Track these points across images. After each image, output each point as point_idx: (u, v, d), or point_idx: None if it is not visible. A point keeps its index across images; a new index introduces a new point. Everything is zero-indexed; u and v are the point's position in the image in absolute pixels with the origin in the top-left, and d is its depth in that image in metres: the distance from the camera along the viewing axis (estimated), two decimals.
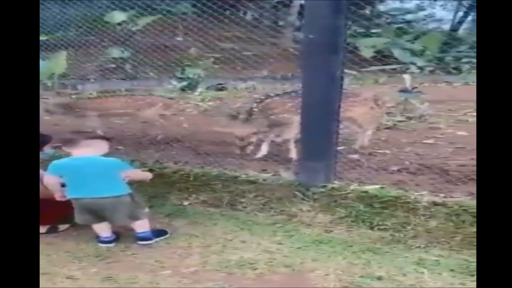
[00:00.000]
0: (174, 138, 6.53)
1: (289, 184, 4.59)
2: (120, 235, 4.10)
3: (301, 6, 21.56)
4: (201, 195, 4.83)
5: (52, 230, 4.25)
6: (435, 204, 3.95)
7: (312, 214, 4.33)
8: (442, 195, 4.09)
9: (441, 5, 25.76)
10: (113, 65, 13.92)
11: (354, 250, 3.76)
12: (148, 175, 4.34)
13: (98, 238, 4.05)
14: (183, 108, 8.88)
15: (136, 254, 3.83)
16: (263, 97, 5.74)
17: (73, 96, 9.93)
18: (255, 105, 5.61)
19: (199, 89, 11.45)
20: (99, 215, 3.97)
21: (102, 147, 4.05)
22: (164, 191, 4.96)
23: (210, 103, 9.94)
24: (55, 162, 3.97)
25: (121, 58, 14.09)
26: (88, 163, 3.91)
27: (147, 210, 4.20)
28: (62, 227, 4.30)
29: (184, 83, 11.77)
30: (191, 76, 12.14)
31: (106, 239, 4.03)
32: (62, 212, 4.17)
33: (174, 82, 11.91)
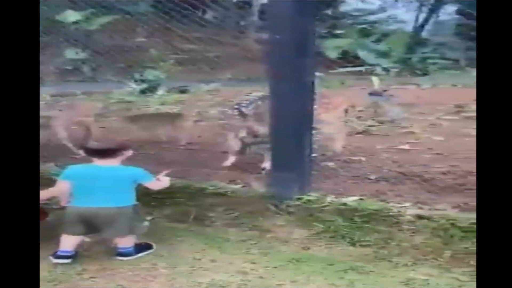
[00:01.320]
0: (134, 144, 6.19)
1: (261, 196, 4.32)
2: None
3: (262, 5, 21.46)
4: (165, 209, 4.50)
5: None
6: (420, 217, 3.71)
7: (287, 229, 4.04)
8: (427, 207, 3.86)
9: (403, 6, 25.86)
10: (69, 67, 13.45)
11: (336, 269, 3.46)
12: (167, 181, 4.05)
13: (55, 254, 3.71)
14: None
15: (94, 278, 3.45)
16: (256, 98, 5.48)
17: None
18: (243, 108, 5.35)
19: (160, 92, 11.07)
20: (94, 227, 3.72)
21: (126, 156, 3.85)
22: None
23: (171, 106, 9.61)
24: (70, 167, 3.84)
25: (78, 59, 13.66)
26: (105, 172, 3.71)
27: (146, 223, 3.94)
28: None
29: (144, 86, 11.39)
30: (151, 78, 11.75)
31: (65, 254, 3.70)
32: None
33: (133, 85, 11.51)
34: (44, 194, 3.78)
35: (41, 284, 3.32)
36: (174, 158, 5.74)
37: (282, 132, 4.26)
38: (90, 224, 3.71)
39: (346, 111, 5.75)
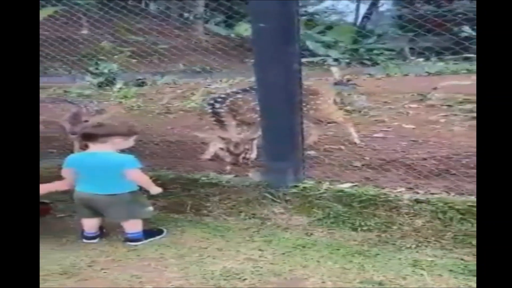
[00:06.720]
0: None
1: (256, 185, 4.38)
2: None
3: None
4: (159, 201, 4.49)
5: None
6: (418, 201, 3.86)
7: (286, 216, 4.14)
8: (422, 191, 4.01)
9: None
10: None
11: (343, 253, 3.58)
12: (156, 189, 4.05)
13: (82, 234, 3.95)
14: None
15: (105, 269, 3.47)
16: (223, 95, 5.38)
17: None
18: (218, 105, 5.25)
19: (118, 85, 10.89)
20: (97, 211, 3.88)
21: (123, 143, 3.92)
22: None
23: (134, 99, 9.48)
24: (70, 156, 4.01)
25: None
26: (96, 158, 3.82)
27: (151, 208, 4.02)
28: None
29: (101, 79, 11.18)
30: (106, 71, 11.54)
31: (90, 235, 3.94)
32: None
33: (89, 78, 11.28)
34: (50, 187, 3.88)
35: (53, 277, 3.36)
36: (153, 151, 5.73)
37: (273, 121, 4.31)
38: (92, 208, 3.87)
39: (335, 101, 5.86)
